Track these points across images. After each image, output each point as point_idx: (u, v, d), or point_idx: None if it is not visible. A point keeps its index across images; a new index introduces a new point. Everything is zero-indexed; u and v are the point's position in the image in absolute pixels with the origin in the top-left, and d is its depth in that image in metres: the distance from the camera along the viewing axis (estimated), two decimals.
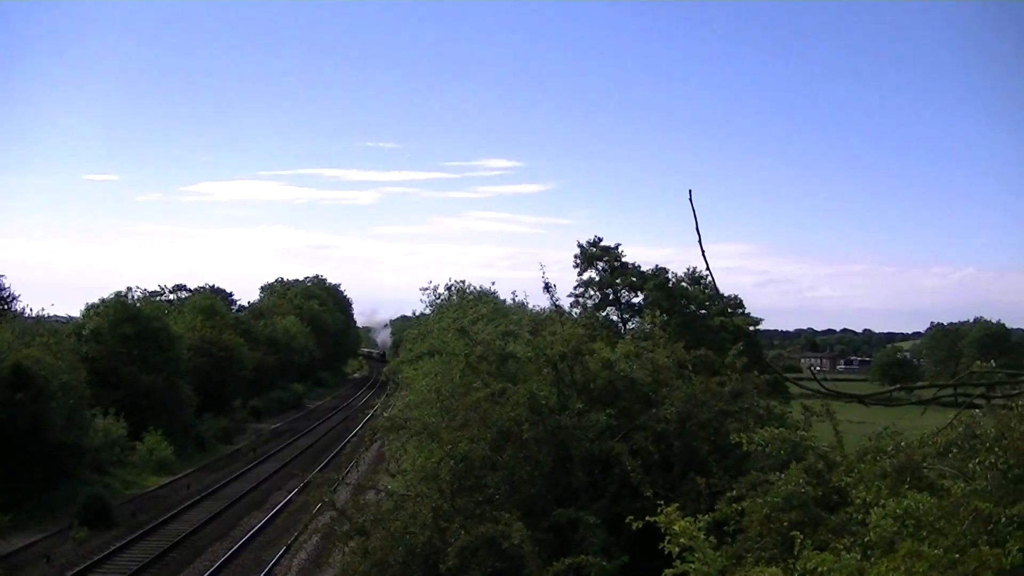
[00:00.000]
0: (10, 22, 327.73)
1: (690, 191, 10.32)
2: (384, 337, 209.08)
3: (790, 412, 22.52)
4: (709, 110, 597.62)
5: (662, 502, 13.57)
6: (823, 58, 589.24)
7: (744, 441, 16.12)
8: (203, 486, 55.69)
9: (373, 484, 22.81)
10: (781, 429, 16.82)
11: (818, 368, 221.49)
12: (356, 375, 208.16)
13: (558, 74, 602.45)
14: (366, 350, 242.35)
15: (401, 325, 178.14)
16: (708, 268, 10.21)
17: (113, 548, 38.82)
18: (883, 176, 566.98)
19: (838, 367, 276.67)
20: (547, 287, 29.75)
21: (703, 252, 9.84)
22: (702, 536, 12.54)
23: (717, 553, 12.63)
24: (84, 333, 67.40)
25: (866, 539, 11.67)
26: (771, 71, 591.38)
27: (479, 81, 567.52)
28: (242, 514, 47.59)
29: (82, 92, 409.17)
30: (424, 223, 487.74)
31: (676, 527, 12.38)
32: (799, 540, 11.88)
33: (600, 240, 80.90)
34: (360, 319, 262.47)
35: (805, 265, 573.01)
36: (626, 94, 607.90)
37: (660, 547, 12.85)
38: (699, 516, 13.23)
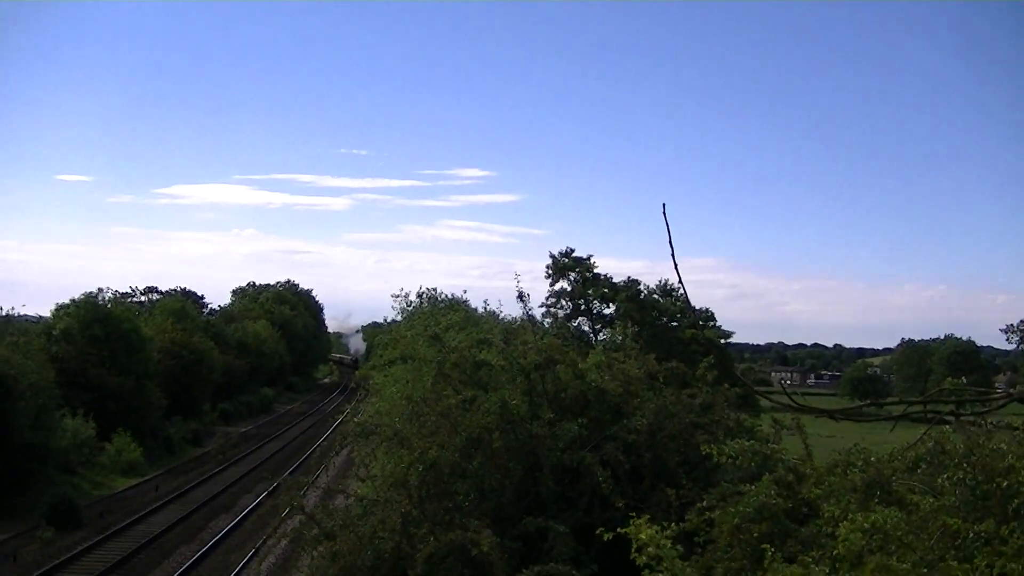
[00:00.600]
0: None
1: (664, 205, 10.32)
2: (357, 342, 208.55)
3: (760, 426, 22.63)
4: (684, 124, 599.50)
5: (633, 514, 13.59)
6: (796, 71, 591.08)
7: (715, 452, 16.15)
8: (171, 488, 55.55)
9: (342, 489, 22.85)
10: (752, 442, 16.85)
11: (788, 382, 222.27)
12: (326, 380, 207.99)
13: (532, 84, 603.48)
14: (338, 356, 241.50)
15: (372, 331, 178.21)
16: (680, 281, 10.23)
17: (80, 549, 38.72)
18: (856, 192, 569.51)
19: (808, 381, 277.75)
20: (520, 296, 29.79)
21: (675, 265, 9.87)
22: (669, 545, 12.55)
23: (686, 563, 12.65)
24: (54, 333, 67.11)
25: (835, 552, 11.70)
26: (746, 85, 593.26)
27: (454, 90, 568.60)
28: (210, 517, 47.50)
29: (55, 92, 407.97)
30: (396, 231, 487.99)
31: (643, 535, 12.39)
32: (769, 552, 11.92)
33: (572, 251, 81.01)
34: (333, 324, 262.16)
35: (777, 279, 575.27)
36: (600, 106, 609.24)
37: (630, 558, 12.88)
38: (667, 526, 13.24)
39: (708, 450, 16.44)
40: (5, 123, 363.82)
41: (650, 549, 12.26)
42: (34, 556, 37.50)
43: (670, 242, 10.24)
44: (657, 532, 12.55)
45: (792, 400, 10.63)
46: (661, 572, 12.24)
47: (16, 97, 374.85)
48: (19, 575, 34.66)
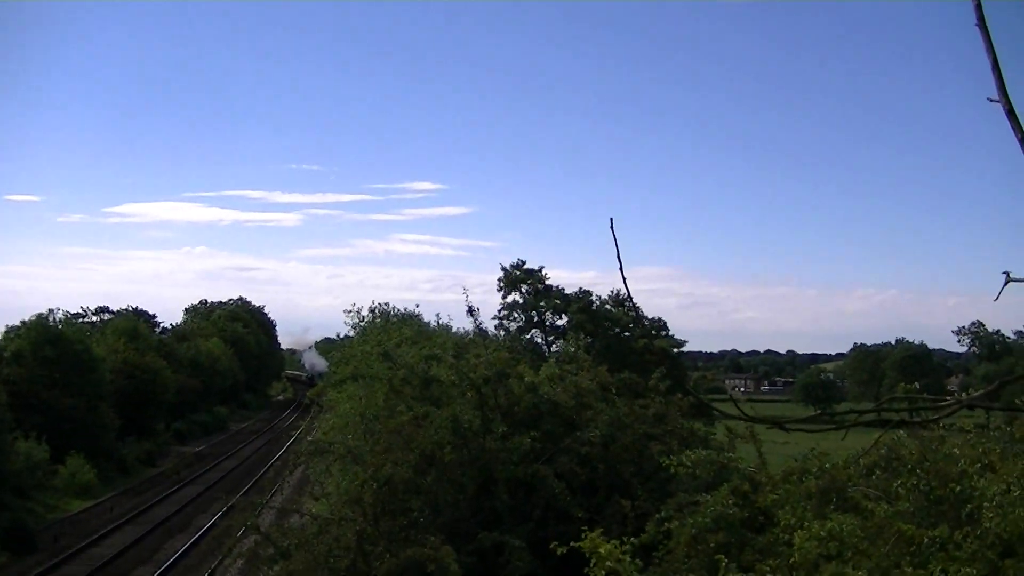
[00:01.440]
0: None
1: (611, 220, 10.28)
2: (312, 358, 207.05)
3: (715, 434, 22.65)
4: (629, 133, 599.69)
5: (586, 527, 13.57)
6: (741, 76, 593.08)
7: (672, 464, 16.15)
8: (126, 510, 55.25)
9: (297, 507, 22.77)
10: (708, 451, 16.88)
11: (742, 389, 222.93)
12: (280, 397, 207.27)
13: (482, 97, 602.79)
14: (293, 373, 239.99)
15: (326, 347, 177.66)
16: (629, 295, 10.19)
17: (35, 573, 38.51)
18: (806, 200, 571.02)
19: (762, 388, 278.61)
20: (470, 311, 29.87)
21: (624, 279, 9.83)
22: (628, 559, 12.55)
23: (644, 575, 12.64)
24: (5, 355, 66.74)
25: (791, 560, 11.73)
26: (691, 93, 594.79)
27: (405, 103, 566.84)
28: (166, 538, 47.27)
29: (0, 111, 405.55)
30: (348, 245, 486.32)
31: (602, 550, 12.38)
32: (723, 563, 11.92)
33: (523, 263, 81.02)
34: (289, 340, 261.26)
35: (729, 287, 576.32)
36: (547, 118, 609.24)
37: (585, 571, 12.87)
38: (625, 540, 13.23)
39: (665, 462, 16.44)
40: None
41: (608, 563, 12.26)
42: None
43: (618, 256, 10.20)
44: (615, 547, 12.55)
45: (742, 412, 10.61)
46: None
47: None
48: None
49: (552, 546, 14.07)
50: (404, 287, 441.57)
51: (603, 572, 12.39)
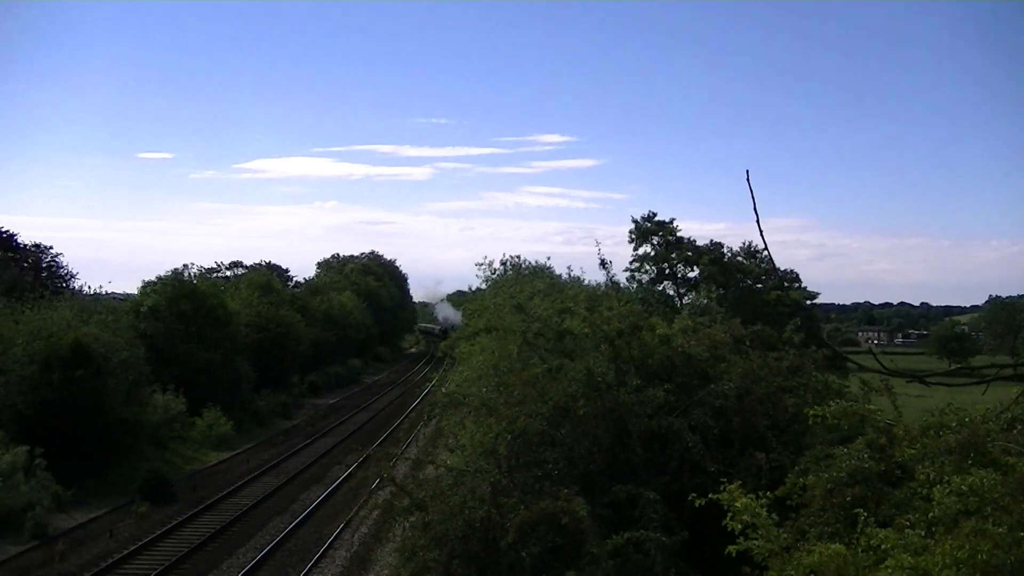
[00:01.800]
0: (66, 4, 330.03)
1: (747, 172, 10.28)
2: (446, 311, 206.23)
3: (848, 387, 22.39)
4: (765, 83, 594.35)
5: (725, 479, 13.49)
6: (876, 28, 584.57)
7: (818, 412, 15.90)
8: (262, 461, 55.90)
9: (431, 459, 22.86)
10: (851, 403, 16.65)
11: (875, 342, 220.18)
12: (413, 350, 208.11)
13: (612, 48, 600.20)
14: (427, 326, 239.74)
15: (457, 300, 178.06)
16: (766, 247, 10.15)
17: (174, 523, 39.06)
18: (941, 149, 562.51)
19: (895, 341, 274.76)
20: (603, 263, 29.70)
21: (761, 232, 9.81)
22: (764, 513, 12.46)
23: (781, 530, 12.54)
24: (142, 310, 67.59)
25: (930, 516, 11.57)
26: (827, 43, 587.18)
27: (533, 56, 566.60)
28: (302, 489, 47.76)
29: (136, 71, 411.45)
30: (478, 198, 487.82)
31: (739, 504, 12.31)
32: (862, 517, 11.78)
33: (655, 215, 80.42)
34: (421, 292, 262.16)
35: (862, 239, 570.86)
36: (681, 68, 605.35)
37: (723, 524, 12.79)
38: (761, 494, 13.13)
39: (810, 411, 16.21)
40: (88, 103, 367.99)
41: (745, 517, 12.18)
42: (130, 531, 37.87)
43: (755, 208, 10.16)
44: (752, 501, 12.46)
45: (881, 364, 10.49)
46: (756, 539, 12.16)
47: (99, 77, 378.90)
48: (116, 550, 35.00)
49: (690, 498, 14.03)
50: (534, 239, 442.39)
51: (739, 525, 12.33)
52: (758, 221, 9.84)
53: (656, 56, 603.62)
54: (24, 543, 35.51)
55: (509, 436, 18.48)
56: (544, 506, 16.31)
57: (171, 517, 40.19)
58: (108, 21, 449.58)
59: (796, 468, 15.07)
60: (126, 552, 34.44)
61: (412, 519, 19.05)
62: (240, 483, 48.14)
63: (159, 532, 37.31)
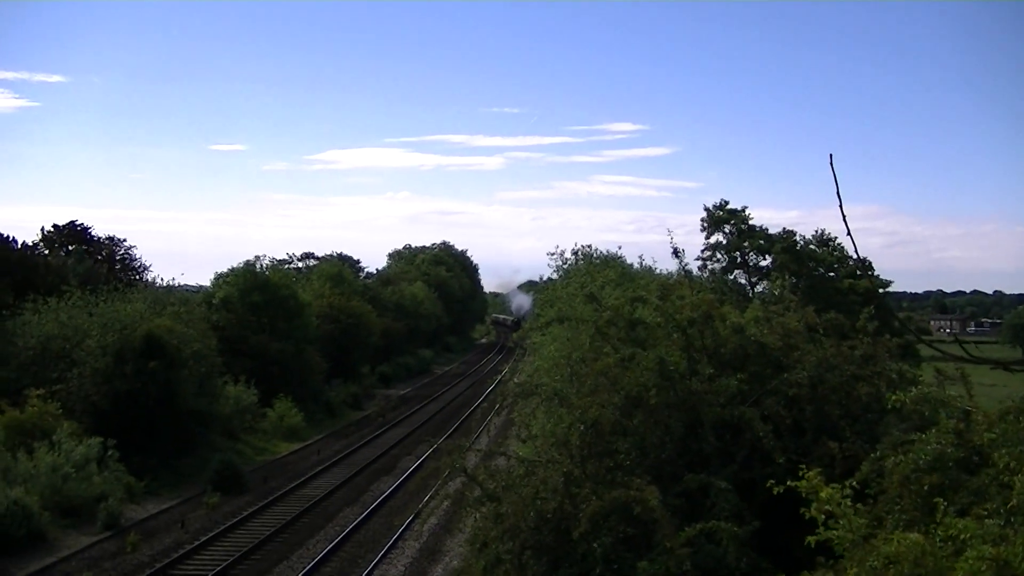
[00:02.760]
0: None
1: (831, 156, 10.02)
2: (520, 302, 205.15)
3: (921, 376, 22.13)
4: (834, 70, 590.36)
5: (804, 466, 13.28)
6: (945, 13, 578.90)
7: (900, 398, 15.65)
8: (332, 452, 56.17)
9: (502, 451, 22.79)
10: (931, 388, 16.40)
11: (948, 331, 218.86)
12: (483, 341, 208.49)
13: (684, 36, 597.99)
14: (501, 316, 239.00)
15: (527, 289, 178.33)
16: (849, 232, 9.87)
17: (245, 514, 39.30)
18: (1017, 133, 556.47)
19: (968, 329, 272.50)
20: (676, 252, 29.57)
21: (844, 216, 9.54)
22: (848, 503, 12.24)
23: (861, 520, 12.31)
24: (214, 302, 68.08)
25: (1009, 505, 11.33)
26: (896, 28, 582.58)
27: (604, 44, 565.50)
28: (371, 480, 47.94)
29: (207, 64, 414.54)
30: (549, 188, 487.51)
31: (823, 495, 12.09)
32: (942, 506, 11.53)
33: (727, 203, 79.78)
34: (495, 282, 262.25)
35: (935, 226, 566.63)
36: (751, 56, 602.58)
37: (800, 512, 12.62)
38: (845, 484, 12.93)
39: (891, 396, 15.98)
40: (161, 95, 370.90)
41: (828, 507, 11.96)
42: (201, 522, 38.14)
43: (838, 193, 9.91)
44: (836, 491, 12.24)
45: (966, 351, 10.22)
46: (836, 530, 11.92)
47: (170, 70, 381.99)
48: (187, 541, 35.17)
49: (768, 484, 13.83)
50: (606, 228, 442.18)
51: (821, 516, 12.11)
52: (840, 206, 9.60)
53: (729, 43, 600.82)
54: (97, 533, 35.86)
55: (581, 426, 18.35)
56: (616, 496, 16.20)
57: (242, 508, 40.46)
58: (180, 13, 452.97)
59: (872, 456, 14.83)
60: (197, 543, 34.74)
61: (483, 510, 18.99)
62: (310, 474, 48.47)
63: (230, 523, 37.60)
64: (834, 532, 11.89)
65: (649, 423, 18.82)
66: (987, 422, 14.15)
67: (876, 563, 10.52)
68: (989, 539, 10.38)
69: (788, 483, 13.13)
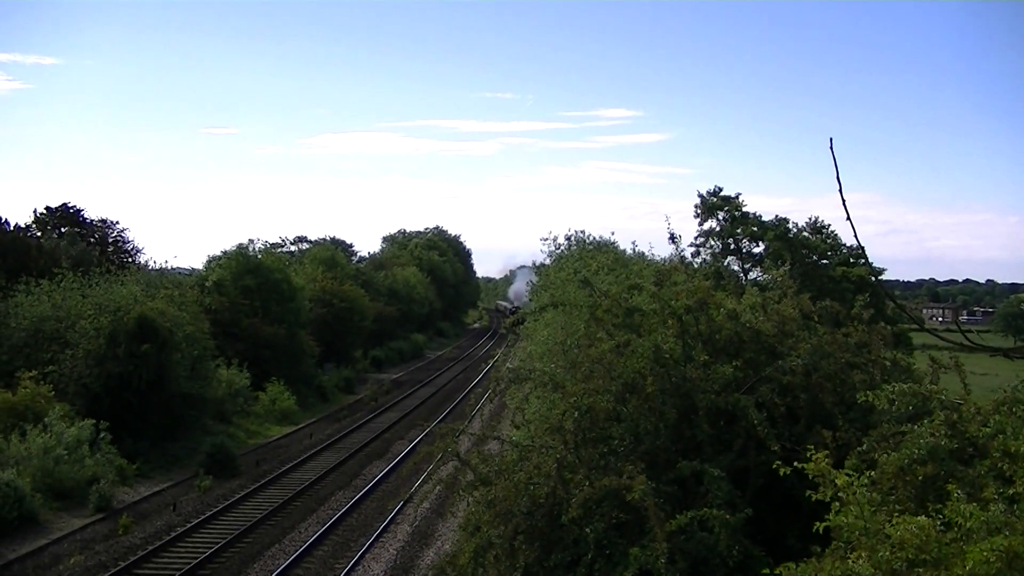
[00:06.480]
0: None
1: (831, 139, 10.02)
2: (519, 287, 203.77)
3: (915, 364, 22.14)
4: (829, 58, 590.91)
5: (811, 448, 13.25)
6: (943, 2, 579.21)
7: (871, 398, 15.71)
8: (325, 436, 56.26)
9: (496, 434, 22.78)
10: (909, 384, 16.40)
11: (940, 319, 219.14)
12: (476, 326, 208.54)
13: (679, 23, 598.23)
14: (503, 303, 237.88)
15: (527, 275, 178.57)
16: (848, 217, 9.89)
17: (237, 497, 39.37)
18: (1011, 123, 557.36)
19: (960, 318, 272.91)
20: (672, 238, 29.57)
21: (844, 201, 9.56)
22: (863, 490, 12.19)
23: (872, 508, 12.26)
24: (207, 285, 68.05)
25: (1011, 492, 11.35)
26: (892, 17, 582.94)
27: (598, 30, 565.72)
28: (364, 464, 48.00)
29: (201, 47, 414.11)
30: (542, 173, 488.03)
31: (839, 481, 12.03)
32: (955, 492, 11.49)
33: (720, 189, 79.87)
34: (496, 267, 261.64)
35: (928, 214, 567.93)
36: (747, 44, 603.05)
37: (794, 500, 12.61)
38: (863, 471, 12.92)
39: (865, 397, 16.02)
40: (152, 79, 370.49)
41: (842, 494, 11.90)
42: (193, 505, 38.22)
43: (837, 177, 9.92)
44: (855, 479, 12.18)
45: (967, 339, 10.21)
46: (846, 515, 11.84)
47: (161, 53, 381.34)
48: (179, 523, 35.20)
49: (775, 465, 13.82)
50: (598, 214, 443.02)
51: (837, 504, 12.02)
52: (840, 190, 9.62)
53: (724, 31, 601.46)
54: (89, 516, 35.94)
55: (576, 412, 18.32)
56: (607, 483, 16.19)
57: (234, 491, 40.54)
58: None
59: (858, 448, 14.85)
60: (189, 525, 34.82)
61: (476, 494, 18.98)
62: (303, 457, 48.57)
63: (222, 506, 37.70)
64: (843, 519, 11.83)
65: (643, 410, 18.78)
66: (982, 414, 14.16)
67: (886, 553, 10.50)
68: (994, 525, 10.39)
69: (795, 464, 13.07)
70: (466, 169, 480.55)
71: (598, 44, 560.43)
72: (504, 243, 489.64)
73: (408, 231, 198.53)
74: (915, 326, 25.71)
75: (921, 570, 10.16)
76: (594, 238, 62.10)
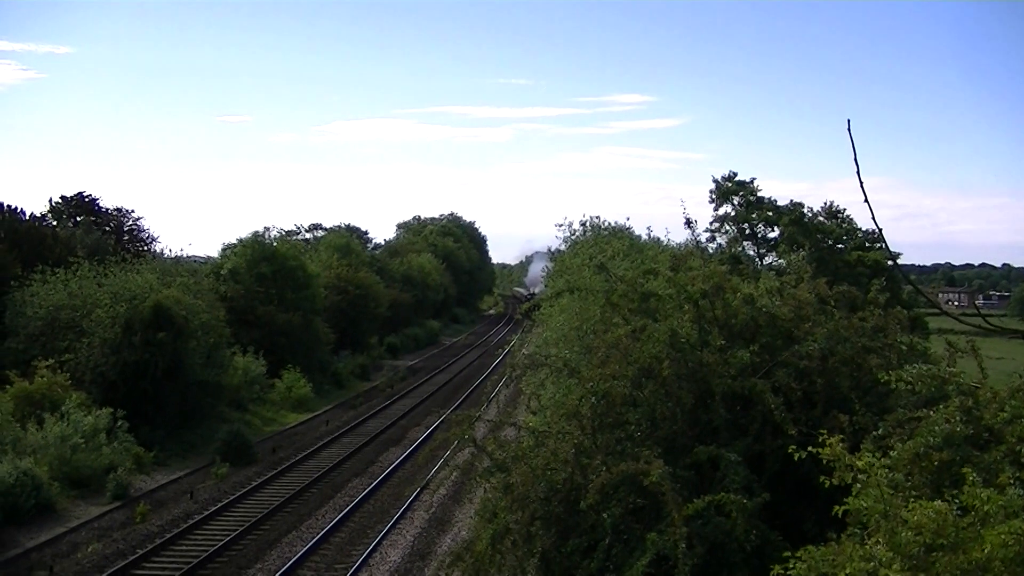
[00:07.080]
0: None
1: (848, 121, 10.00)
2: (536, 274, 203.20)
3: (931, 348, 22.09)
4: (845, 42, 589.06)
5: (824, 431, 13.22)
6: None
7: (892, 379, 15.65)
8: (341, 423, 56.30)
9: (512, 421, 22.77)
10: (929, 367, 16.35)
11: (956, 304, 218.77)
12: (491, 312, 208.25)
13: (693, 8, 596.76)
14: (519, 290, 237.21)
15: (536, 260, 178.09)
16: (866, 199, 9.87)
17: (254, 484, 39.44)
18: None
19: (976, 302, 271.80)
20: (688, 223, 29.44)
21: (861, 184, 9.54)
22: (885, 473, 12.14)
23: (893, 493, 12.23)
24: (222, 273, 68.12)
25: None
26: (907, 1, 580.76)
27: (612, 15, 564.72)
28: (380, 450, 48.05)
29: (214, 35, 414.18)
30: (556, 159, 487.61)
31: (860, 463, 11.99)
32: (971, 476, 11.46)
33: (735, 175, 79.80)
34: (511, 254, 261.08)
35: (944, 199, 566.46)
36: (761, 28, 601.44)
37: (812, 484, 12.58)
38: (887, 452, 12.89)
39: (885, 376, 15.95)
40: (168, 66, 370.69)
41: (862, 476, 11.86)
42: (210, 492, 38.29)
43: (855, 159, 9.91)
44: (878, 461, 12.14)
45: (987, 322, 10.19)
46: (866, 499, 11.79)
47: (177, 41, 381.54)
48: (196, 511, 35.27)
49: (790, 450, 13.79)
50: (613, 199, 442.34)
51: (857, 485, 11.96)
52: (859, 172, 9.60)
53: (738, 16, 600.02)
54: (106, 504, 36.05)
55: (592, 398, 18.30)
56: (624, 468, 16.17)
57: (251, 478, 40.64)
58: None
59: (874, 434, 14.81)
60: (206, 513, 34.89)
61: (493, 481, 18.96)
62: (319, 445, 48.64)
63: (239, 493, 37.76)
64: (862, 503, 11.79)
65: (660, 395, 18.75)
66: (997, 400, 14.11)
67: (906, 535, 10.47)
68: (1011, 509, 10.37)
69: (810, 449, 13.05)
70: (480, 155, 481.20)
71: (611, 29, 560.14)
72: (520, 229, 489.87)
73: (423, 217, 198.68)
74: (932, 310, 25.62)
75: (939, 553, 10.14)
76: (609, 224, 61.97)
